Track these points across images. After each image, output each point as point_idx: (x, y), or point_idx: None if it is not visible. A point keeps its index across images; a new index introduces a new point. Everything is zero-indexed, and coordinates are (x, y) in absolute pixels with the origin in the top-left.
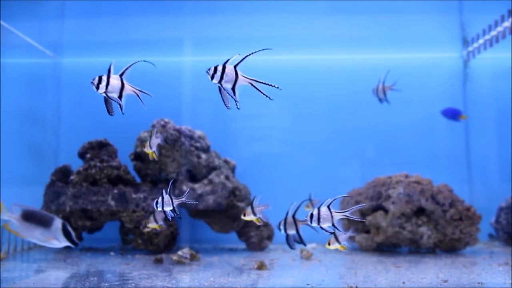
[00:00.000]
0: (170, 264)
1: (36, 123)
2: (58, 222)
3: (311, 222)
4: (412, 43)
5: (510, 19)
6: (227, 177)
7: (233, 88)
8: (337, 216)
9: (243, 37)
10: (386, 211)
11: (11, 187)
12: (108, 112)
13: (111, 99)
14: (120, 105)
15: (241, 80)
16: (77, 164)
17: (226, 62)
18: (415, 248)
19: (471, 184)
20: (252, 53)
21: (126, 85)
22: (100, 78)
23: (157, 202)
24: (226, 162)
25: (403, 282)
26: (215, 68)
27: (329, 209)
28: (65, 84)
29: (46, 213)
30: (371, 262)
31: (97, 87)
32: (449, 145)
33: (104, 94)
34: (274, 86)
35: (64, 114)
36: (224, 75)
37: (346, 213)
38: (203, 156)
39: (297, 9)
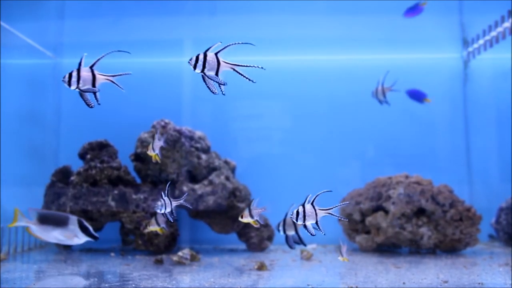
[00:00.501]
0: (170, 265)
1: (36, 123)
2: (74, 220)
3: (296, 220)
4: (412, 44)
5: (510, 20)
6: (227, 178)
7: (216, 75)
8: (321, 214)
9: (243, 38)
10: (386, 212)
11: (12, 188)
12: (87, 104)
13: (86, 91)
14: (95, 94)
15: (223, 66)
16: (77, 165)
17: (207, 50)
18: (416, 249)
19: (471, 184)
20: (234, 44)
21: (98, 75)
22: (70, 74)
23: (159, 205)
24: (226, 162)
25: (404, 283)
26: (197, 57)
27: (313, 206)
28: (65, 84)
29: (61, 213)
30: (372, 262)
31: (69, 84)
32: (449, 145)
33: (77, 89)
34: (258, 67)
35: (64, 114)
36: (206, 63)
37: (330, 211)
38: (203, 156)
39: (297, 9)
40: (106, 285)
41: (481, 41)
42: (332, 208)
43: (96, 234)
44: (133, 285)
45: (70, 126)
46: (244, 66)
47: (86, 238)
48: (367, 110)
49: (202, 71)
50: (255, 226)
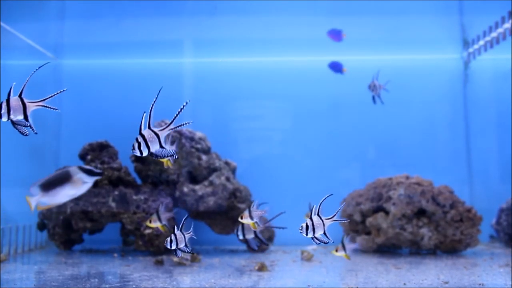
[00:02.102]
0: (170, 266)
1: (36, 124)
2: (75, 170)
3: (306, 234)
4: (412, 45)
5: (510, 21)
6: (227, 179)
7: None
8: (328, 223)
9: (244, 39)
10: (386, 213)
11: (12, 189)
12: (22, 133)
13: (18, 124)
14: (30, 126)
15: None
16: None
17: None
18: (416, 250)
19: (471, 185)
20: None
21: (28, 103)
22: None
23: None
24: (226, 163)
25: (404, 284)
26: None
27: (320, 217)
28: (65, 85)
29: (58, 172)
30: (372, 263)
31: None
32: (450, 146)
33: (8, 120)
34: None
35: (65, 115)
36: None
37: (335, 217)
38: (204, 157)
39: (297, 10)
40: (107, 286)
41: (481, 42)
42: (335, 214)
43: (99, 171)
44: (134, 286)
45: (70, 127)
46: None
47: (94, 178)
48: (368, 111)
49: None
50: (253, 229)
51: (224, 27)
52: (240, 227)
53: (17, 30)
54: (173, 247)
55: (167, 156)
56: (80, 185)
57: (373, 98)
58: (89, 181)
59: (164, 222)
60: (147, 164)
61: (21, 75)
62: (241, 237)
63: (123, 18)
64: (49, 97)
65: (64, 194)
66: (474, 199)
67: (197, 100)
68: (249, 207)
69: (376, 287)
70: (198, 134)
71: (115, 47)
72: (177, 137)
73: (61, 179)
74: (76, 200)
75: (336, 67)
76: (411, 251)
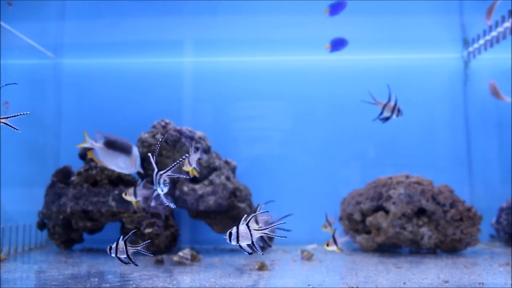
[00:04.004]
0: (171, 265)
1: (36, 124)
2: (136, 150)
3: (230, 241)
4: (412, 44)
5: (510, 20)
6: (227, 178)
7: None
8: (256, 234)
9: (244, 38)
10: (386, 212)
11: (12, 188)
12: None
13: None
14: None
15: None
16: (77, 165)
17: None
18: (416, 249)
19: (471, 184)
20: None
21: None
22: None
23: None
24: (226, 163)
25: (404, 283)
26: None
27: (248, 227)
28: (65, 85)
29: (125, 140)
30: (372, 262)
31: None
32: (450, 145)
33: None
34: None
35: (65, 115)
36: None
37: (266, 230)
38: (204, 157)
39: (297, 10)
40: (107, 285)
41: (481, 41)
42: (267, 228)
43: (140, 170)
44: (134, 285)
45: (70, 126)
46: None
47: (139, 169)
48: (368, 111)
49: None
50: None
51: (224, 27)
52: (234, 232)
53: (17, 30)
54: (113, 254)
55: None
56: (130, 164)
57: (387, 118)
58: (137, 168)
59: (138, 198)
60: (148, 163)
61: (21, 74)
62: (234, 242)
63: (123, 18)
64: (11, 117)
65: (115, 162)
66: (474, 198)
67: (197, 100)
68: (254, 211)
69: (376, 287)
70: (198, 133)
71: (115, 47)
72: (177, 136)
73: (124, 147)
74: (76, 199)
75: (339, 44)
76: (411, 250)
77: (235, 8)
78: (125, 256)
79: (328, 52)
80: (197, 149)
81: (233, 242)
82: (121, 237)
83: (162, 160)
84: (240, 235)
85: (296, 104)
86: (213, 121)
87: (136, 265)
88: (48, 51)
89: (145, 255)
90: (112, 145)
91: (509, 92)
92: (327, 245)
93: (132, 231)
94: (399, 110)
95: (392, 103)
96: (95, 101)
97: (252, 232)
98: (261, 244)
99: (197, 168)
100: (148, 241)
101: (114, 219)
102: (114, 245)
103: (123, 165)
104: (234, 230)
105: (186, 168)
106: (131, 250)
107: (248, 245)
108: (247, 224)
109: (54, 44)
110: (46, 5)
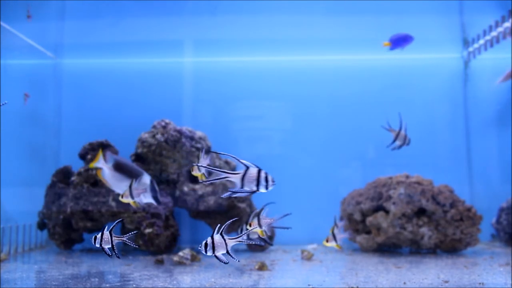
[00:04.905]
0: (171, 265)
1: (37, 124)
2: (146, 178)
3: (205, 252)
4: (412, 44)
5: (510, 20)
6: None
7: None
8: (231, 243)
9: (244, 38)
10: (387, 212)
11: (12, 188)
12: None
13: None
14: None
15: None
16: (78, 165)
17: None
18: (416, 249)
19: (471, 184)
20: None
21: None
22: None
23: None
24: (226, 163)
25: (404, 283)
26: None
27: (223, 236)
28: (65, 85)
29: (137, 166)
30: (372, 262)
31: None
32: (450, 145)
33: None
34: None
35: (65, 115)
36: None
37: (239, 239)
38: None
39: (297, 10)
40: (107, 285)
41: (481, 41)
42: (241, 236)
43: (160, 199)
44: (134, 285)
45: (70, 126)
46: None
47: (150, 200)
48: (368, 111)
49: None
50: (262, 236)
51: (224, 27)
52: (210, 241)
53: (17, 30)
54: (97, 245)
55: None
56: (138, 193)
57: (400, 146)
58: (146, 198)
59: (135, 199)
60: (147, 164)
61: (21, 74)
62: (209, 253)
63: (123, 18)
64: None
65: (122, 186)
66: (474, 198)
67: (197, 100)
68: (258, 214)
69: (377, 287)
70: (198, 133)
71: (115, 47)
72: (177, 136)
73: (132, 173)
74: (76, 199)
75: (402, 40)
76: (411, 250)
77: (235, 8)
78: (109, 246)
79: (387, 49)
80: (207, 154)
81: (209, 253)
82: (106, 227)
83: (163, 160)
84: (215, 244)
85: (296, 104)
86: (213, 121)
87: (119, 257)
88: (48, 51)
89: (145, 255)
90: (120, 168)
91: (509, 92)
92: (327, 241)
93: (135, 232)
94: (405, 138)
95: (403, 132)
96: (95, 101)
97: (227, 241)
98: (262, 243)
99: (206, 174)
100: (135, 231)
101: (114, 219)
102: (99, 235)
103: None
104: (209, 240)
105: (195, 173)
106: (116, 240)
107: (225, 253)
108: (221, 234)
109: (54, 44)
110: (46, 5)
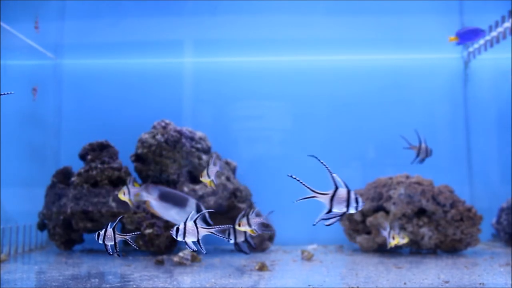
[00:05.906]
0: (171, 266)
1: (37, 124)
2: (192, 203)
3: (176, 236)
4: (412, 44)
5: (510, 20)
6: (228, 178)
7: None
8: (203, 232)
9: (244, 38)
10: (387, 212)
11: (12, 189)
12: None
13: None
14: None
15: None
16: (78, 166)
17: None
18: (416, 249)
19: (472, 184)
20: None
21: None
22: None
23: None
24: (227, 163)
25: (404, 283)
26: None
27: (195, 224)
28: (66, 85)
29: (181, 193)
30: (372, 263)
31: None
32: (450, 145)
33: None
34: None
35: (65, 115)
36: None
37: (212, 230)
38: (204, 157)
39: (298, 10)
40: (107, 285)
41: (481, 41)
42: (214, 228)
43: (210, 221)
44: (134, 286)
45: (70, 127)
46: None
47: (200, 227)
48: (368, 111)
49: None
50: (253, 234)
51: (224, 27)
52: (232, 231)
53: (17, 30)
54: (100, 241)
55: None
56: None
57: (423, 159)
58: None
59: (132, 197)
60: (148, 164)
61: (21, 75)
62: (232, 240)
63: (123, 18)
64: None
65: (170, 214)
66: (474, 198)
67: (197, 100)
68: (247, 215)
69: (377, 287)
70: (199, 134)
71: (115, 47)
72: (177, 137)
73: (178, 201)
74: (77, 200)
75: (472, 34)
76: (411, 250)
77: (235, 8)
78: (112, 243)
79: (455, 44)
80: (217, 160)
81: (179, 238)
82: (110, 224)
83: (163, 161)
84: (187, 231)
85: (296, 104)
86: (213, 121)
87: (119, 255)
88: (48, 52)
89: (145, 255)
90: (165, 198)
91: (509, 91)
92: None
93: (136, 233)
94: (427, 149)
95: (424, 145)
96: (95, 101)
97: (199, 229)
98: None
99: (215, 181)
100: (137, 232)
101: (114, 220)
102: (102, 232)
103: (177, 217)
104: (181, 226)
105: (204, 179)
106: (119, 238)
107: (195, 242)
108: (194, 221)
109: (54, 45)
110: (46, 5)
